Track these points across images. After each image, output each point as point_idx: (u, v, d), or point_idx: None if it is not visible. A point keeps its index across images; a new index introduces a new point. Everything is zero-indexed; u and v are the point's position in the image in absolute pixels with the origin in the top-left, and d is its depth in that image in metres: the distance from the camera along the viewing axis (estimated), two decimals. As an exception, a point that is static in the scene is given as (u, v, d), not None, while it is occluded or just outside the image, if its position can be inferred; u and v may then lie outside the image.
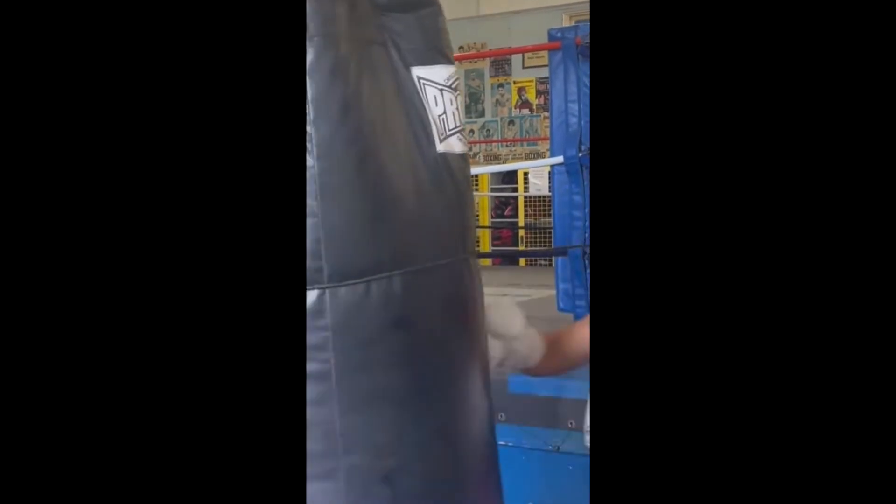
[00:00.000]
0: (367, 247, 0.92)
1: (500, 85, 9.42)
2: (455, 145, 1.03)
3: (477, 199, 8.77)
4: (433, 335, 0.99)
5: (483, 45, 9.18)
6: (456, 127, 1.04)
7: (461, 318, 1.03)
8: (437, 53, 1.02)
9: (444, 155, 1.01)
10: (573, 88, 3.33)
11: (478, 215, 8.80)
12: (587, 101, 3.32)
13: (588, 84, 3.34)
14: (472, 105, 9.50)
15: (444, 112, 1.02)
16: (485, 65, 9.46)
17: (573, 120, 3.31)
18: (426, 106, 1.00)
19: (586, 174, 3.23)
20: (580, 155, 3.21)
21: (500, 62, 9.34)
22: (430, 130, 1.00)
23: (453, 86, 1.04)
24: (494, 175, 8.48)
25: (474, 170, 8.32)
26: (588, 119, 3.33)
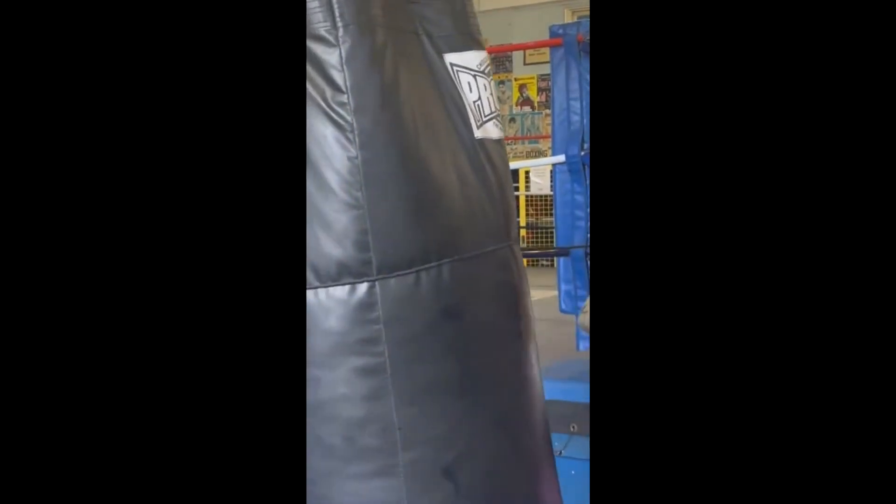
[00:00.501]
0: (415, 236, 0.93)
1: (501, 82, 9.42)
2: (492, 131, 1.04)
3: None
4: (485, 323, 0.99)
5: (484, 41, 9.18)
6: (492, 112, 1.04)
7: (511, 305, 1.04)
8: (468, 39, 1.03)
9: (482, 141, 1.02)
10: (575, 86, 3.33)
11: (478, 215, 8.81)
12: (589, 98, 3.33)
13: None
14: (473, 102, 9.52)
15: (479, 98, 1.02)
16: (485, 61, 9.47)
17: (575, 118, 3.32)
18: (461, 92, 1.00)
19: (588, 173, 3.24)
20: (582, 153, 3.22)
21: (501, 58, 9.34)
22: (468, 117, 1.01)
23: (486, 71, 1.04)
24: (495, 174, 8.47)
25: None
26: (589, 118, 3.33)
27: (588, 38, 3.30)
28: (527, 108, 9.31)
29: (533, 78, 9.21)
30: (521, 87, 9.33)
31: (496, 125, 1.05)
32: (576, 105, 3.38)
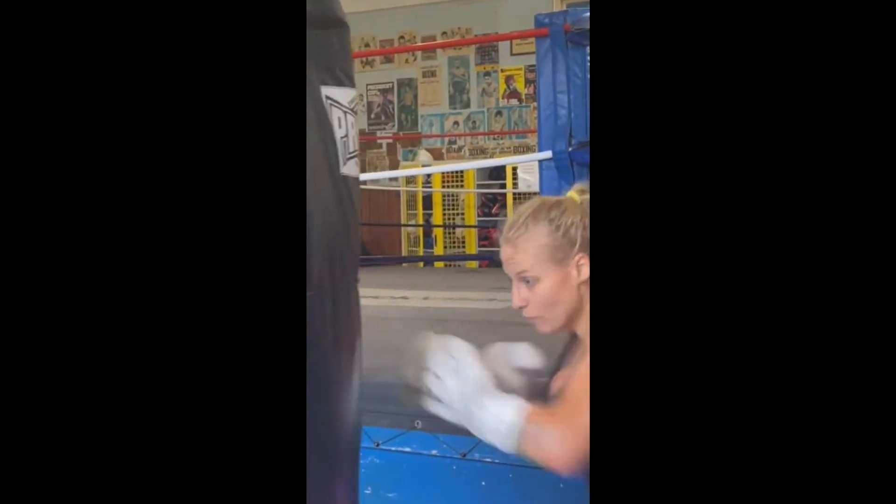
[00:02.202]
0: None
1: (487, 73, 9.43)
2: (353, 169, 1.09)
3: (462, 197, 8.77)
4: (327, 356, 1.03)
5: (468, 31, 9.18)
6: (355, 150, 1.09)
7: (347, 342, 1.09)
8: (344, 75, 1.07)
9: (345, 177, 1.06)
10: (562, 78, 3.35)
11: (463, 214, 8.80)
12: (577, 91, 3.35)
13: (578, 74, 3.36)
14: (457, 95, 9.51)
15: (347, 135, 1.06)
16: (470, 52, 9.47)
17: (562, 112, 3.34)
18: (332, 126, 1.04)
19: (577, 169, 3.25)
20: (570, 149, 3.23)
21: (487, 49, 9.35)
22: (336, 151, 1.05)
23: (354, 109, 1.09)
24: (481, 170, 8.50)
25: (460, 165, 8.33)
26: (578, 111, 3.36)
27: (575, 28, 3.32)
28: (514, 101, 9.33)
29: (520, 69, 9.23)
30: (508, 79, 9.34)
31: (357, 164, 1.10)
32: (563, 98, 3.40)
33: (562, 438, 1.17)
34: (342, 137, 1.05)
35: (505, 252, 1.34)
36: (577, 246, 1.29)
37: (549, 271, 1.30)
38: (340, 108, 1.05)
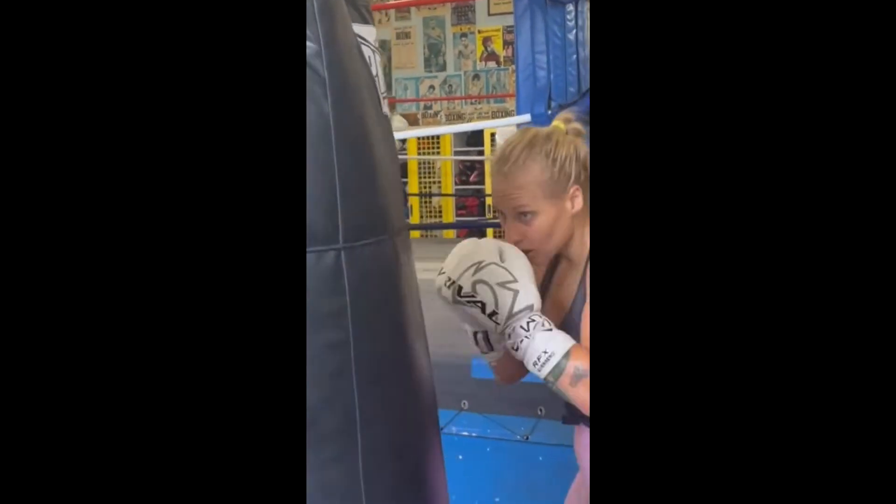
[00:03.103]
0: (372, 205, 0.95)
1: (464, 34, 9.37)
2: (387, 110, 1.07)
3: (439, 164, 8.74)
4: (410, 303, 1.03)
5: (443, -10, 9.11)
6: (384, 92, 1.07)
7: (415, 291, 1.08)
8: (366, 12, 1.05)
9: (386, 116, 1.04)
10: (541, 38, 3.32)
11: (440, 182, 8.79)
12: (556, 52, 3.33)
13: (558, 34, 3.34)
14: (433, 58, 9.45)
15: (377, 74, 1.04)
16: (445, 12, 9.40)
17: (541, 73, 3.31)
18: (369, 65, 1.02)
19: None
20: (549, 112, 3.22)
21: (463, 9, 9.28)
22: (376, 90, 1.02)
23: (376, 50, 1.07)
24: (458, 136, 8.47)
25: (436, 130, 8.31)
26: (558, 73, 3.34)
27: (555, -15, 3.29)
28: (492, 64, 9.28)
29: (498, 30, 9.18)
30: (486, 41, 9.29)
31: (387, 106, 1.08)
32: (542, 59, 3.38)
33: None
34: (375, 76, 1.03)
35: (498, 186, 1.34)
36: (572, 179, 1.32)
37: (546, 206, 1.32)
38: (368, 45, 1.02)
